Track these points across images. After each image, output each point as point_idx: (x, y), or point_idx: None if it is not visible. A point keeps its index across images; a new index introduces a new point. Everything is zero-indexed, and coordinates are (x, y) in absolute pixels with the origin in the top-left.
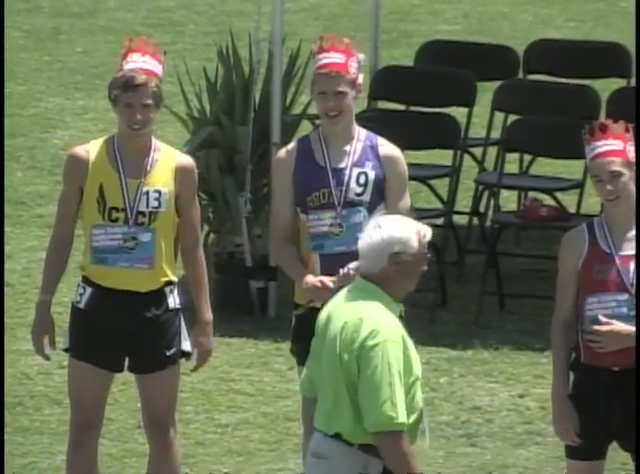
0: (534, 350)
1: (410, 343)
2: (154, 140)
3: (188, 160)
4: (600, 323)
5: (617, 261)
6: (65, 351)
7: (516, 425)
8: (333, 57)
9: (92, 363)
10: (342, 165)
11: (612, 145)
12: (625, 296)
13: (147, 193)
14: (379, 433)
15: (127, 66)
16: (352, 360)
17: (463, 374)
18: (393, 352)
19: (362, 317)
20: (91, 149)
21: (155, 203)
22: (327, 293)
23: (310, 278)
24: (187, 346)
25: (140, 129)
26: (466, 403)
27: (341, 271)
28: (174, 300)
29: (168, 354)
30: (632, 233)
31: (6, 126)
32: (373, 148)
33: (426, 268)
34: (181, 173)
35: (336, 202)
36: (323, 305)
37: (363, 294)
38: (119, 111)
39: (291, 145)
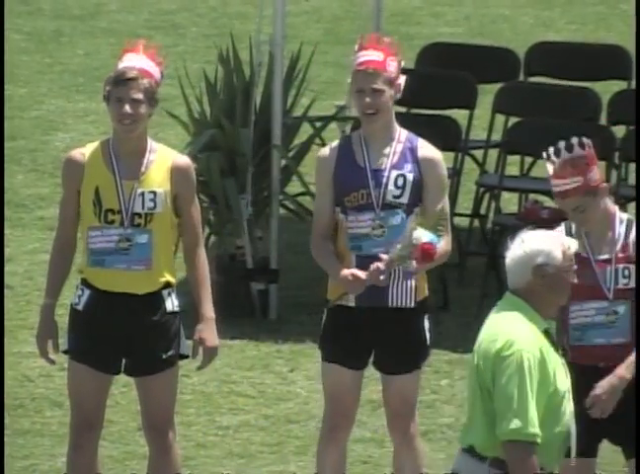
0: None
1: (552, 356)
2: (150, 141)
3: (184, 160)
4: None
5: (594, 266)
6: (65, 352)
7: None
8: (371, 55)
9: (90, 366)
10: (381, 166)
11: (570, 184)
12: (604, 304)
13: (142, 194)
14: (508, 442)
15: (121, 65)
16: (487, 370)
17: (464, 377)
18: (527, 362)
19: (501, 328)
20: (87, 152)
21: (151, 204)
22: (360, 286)
23: (344, 271)
24: (185, 349)
25: (130, 125)
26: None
27: (372, 265)
28: (172, 303)
29: (165, 356)
30: (608, 235)
31: (7, 129)
32: (413, 150)
33: (575, 280)
34: (177, 173)
35: (375, 204)
36: (355, 300)
37: (508, 307)
38: (111, 107)
39: (333, 144)
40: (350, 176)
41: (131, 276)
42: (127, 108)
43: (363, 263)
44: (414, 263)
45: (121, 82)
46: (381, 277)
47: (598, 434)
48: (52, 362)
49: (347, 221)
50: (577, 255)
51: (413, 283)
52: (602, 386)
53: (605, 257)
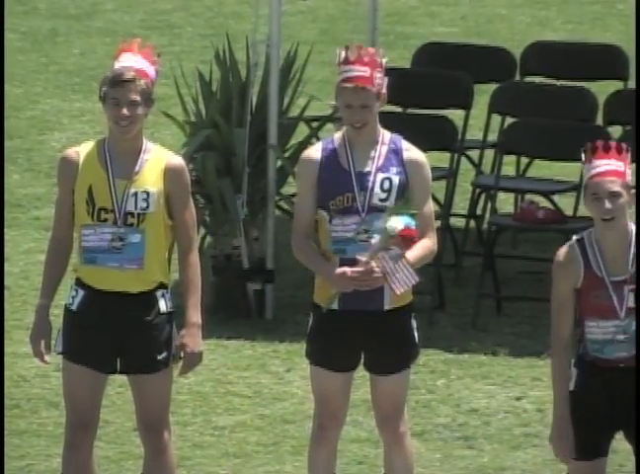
0: (531, 352)
1: None
2: (145, 141)
3: (178, 161)
4: None
5: (610, 286)
6: (60, 354)
7: (513, 427)
8: (358, 71)
9: (86, 365)
10: (366, 170)
11: (614, 165)
12: (618, 323)
13: (136, 194)
14: None
15: (117, 65)
16: None
17: (460, 377)
18: None
19: None
20: (81, 151)
21: (144, 204)
22: (349, 285)
23: (338, 270)
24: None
25: (127, 126)
26: (463, 405)
27: (359, 268)
28: (165, 304)
29: (159, 357)
30: (623, 256)
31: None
32: (397, 152)
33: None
34: (170, 174)
35: (360, 208)
36: (339, 304)
37: None
38: (107, 107)
39: (317, 146)
40: (334, 179)
41: (124, 275)
42: (125, 110)
43: (348, 265)
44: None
45: (118, 83)
46: (375, 274)
47: (610, 432)
48: (46, 363)
49: (331, 225)
50: (593, 275)
51: (406, 265)
52: None
53: (620, 278)
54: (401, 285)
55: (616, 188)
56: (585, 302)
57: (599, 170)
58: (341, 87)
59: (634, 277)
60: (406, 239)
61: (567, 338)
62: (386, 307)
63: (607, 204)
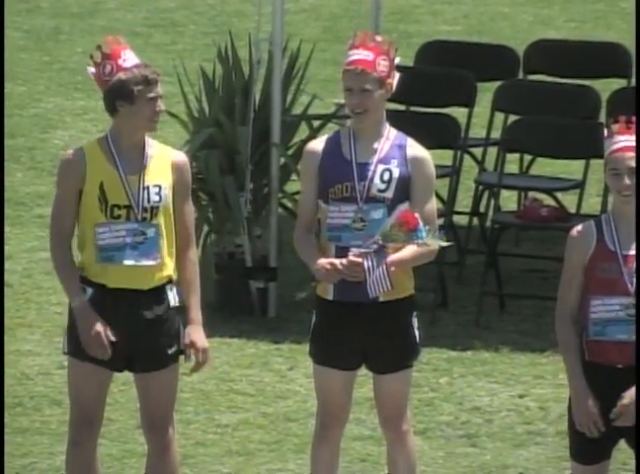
0: (534, 350)
1: None
2: (146, 137)
3: (183, 157)
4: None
5: (621, 260)
6: (66, 354)
7: (515, 425)
8: (360, 54)
9: (95, 363)
10: (367, 160)
11: (632, 141)
12: (627, 300)
13: (148, 188)
14: None
15: (129, 63)
16: None
17: (463, 375)
18: None
19: None
20: (86, 150)
21: (156, 198)
22: (336, 275)
23: (322, 261)
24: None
25: (158, 121)
26: (466, 403)
27: (345, 260)
28: (174, 298)
29: (170, 352)
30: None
31: (6, 127)
32: (401, 148)
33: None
34: (177, 169)
35: (358, 197)
36: (333, 293)
37: None
38: (143, 107)
39: (322, 138)
40: (335, 168)
41: (140, 271)
42: (162, 105)
43: (344, 254)
44: (389, 255)
45: (154, 81)
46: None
47: (614, 436)
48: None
49: (328, 212)
50: (605, 248)
51: (385, 270)
52: (630, 395)
53: (633, 252)
54: (374, 288)
55: (633, 163)
56: (591, 278)
57: (619, 145)
58: (343, 71)
59: None
60: (407, 218)
61: (573, 310)
62: (380, 298)
63: (627, 180)
